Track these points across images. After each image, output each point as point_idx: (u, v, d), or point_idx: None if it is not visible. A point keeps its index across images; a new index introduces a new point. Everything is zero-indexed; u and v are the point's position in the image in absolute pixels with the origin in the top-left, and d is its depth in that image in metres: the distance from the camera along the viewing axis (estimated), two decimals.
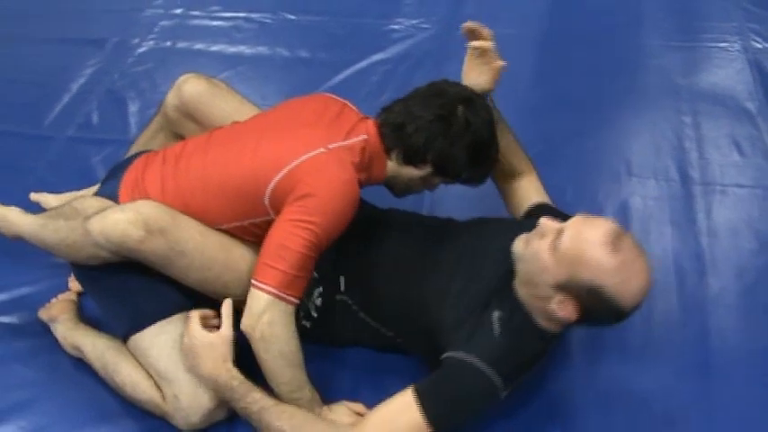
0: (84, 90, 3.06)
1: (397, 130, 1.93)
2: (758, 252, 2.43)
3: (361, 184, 1.93)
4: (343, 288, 2.01)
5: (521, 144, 2.21)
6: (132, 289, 1.95)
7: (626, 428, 1.98)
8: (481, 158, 1.98)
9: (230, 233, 1.95)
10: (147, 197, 1.93)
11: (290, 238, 1.79)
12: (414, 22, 3.45)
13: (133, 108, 2.97)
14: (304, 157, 1.84)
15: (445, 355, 1.78)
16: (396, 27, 3.42)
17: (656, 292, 2.26)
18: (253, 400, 1.78)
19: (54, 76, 3.15)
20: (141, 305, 1.94)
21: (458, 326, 1.82)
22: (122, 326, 1.97)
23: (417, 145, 1.92)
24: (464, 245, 1.98)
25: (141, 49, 3.28)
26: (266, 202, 1.86)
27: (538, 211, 2.06)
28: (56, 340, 2.11)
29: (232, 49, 3.31)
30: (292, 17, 3.52)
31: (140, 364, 1.94)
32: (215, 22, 3.47)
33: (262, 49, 3.31)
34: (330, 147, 1.87)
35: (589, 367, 2.09)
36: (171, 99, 2.22)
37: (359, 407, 1.94)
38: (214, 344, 1.82)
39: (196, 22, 3.49)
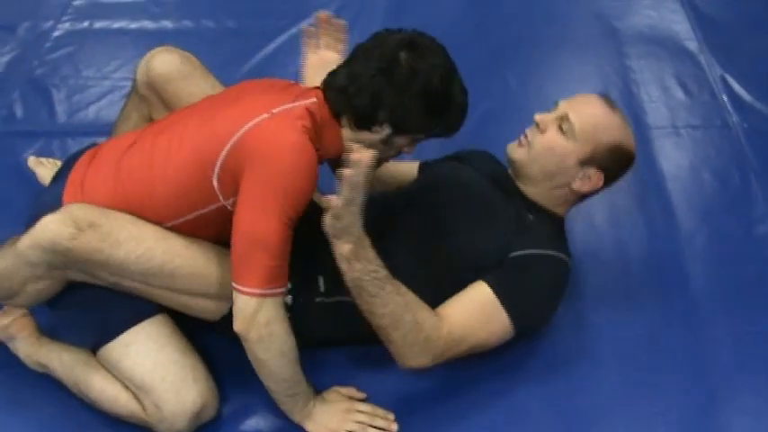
0: (2, 80, 2.84)
1: (341, 92, 1.75)
2: (720, 191, 2.45)
3: (320, 156, 1.78)
4: (323, 289, 1.88)
5: None
6: (98, 297, 1.81)
7: (616, 380, 1.97)
8: (440, 106, 1.77)
9: (183, 232, 1.81)
10: (93, 201, 1.79)
11: (259, 227, 1.65)
12: None
13: (59, 96, 2.78)
14: (247, 126, 1.69)
15: (511, 255, 1.83)
16: None
17: (631, 242, 2.28)
18: (381, 265, 1.71)
19: None
20: (109, 313, 1.81)
21: (505, 244, 1.84)
22: (90, 337, 1.84)
23: (363, 106, 1.73)
24: (445, 192, 1.97)
25: (57, 33, 3.08)
26: (215, 185, 1.72)
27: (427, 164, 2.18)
28: (15, 356, 1.96)
29: (154, 25, 3.14)
30: None
31: (114, 376, 1.83)
32: None
33: (186, 23, 3.15)
34: (274, 111, 1.71)
35: (573, 327, 2.06)
36: (140, 75, 2.06)
37: (351, 391, 1.89)
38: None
39: None
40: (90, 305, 1.83)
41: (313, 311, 1.86)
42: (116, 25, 3.13)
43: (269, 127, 1.70)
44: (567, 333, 2.04)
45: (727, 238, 2.30)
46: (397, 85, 1.72)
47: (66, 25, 3.12)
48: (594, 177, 1.90)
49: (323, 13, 2.02)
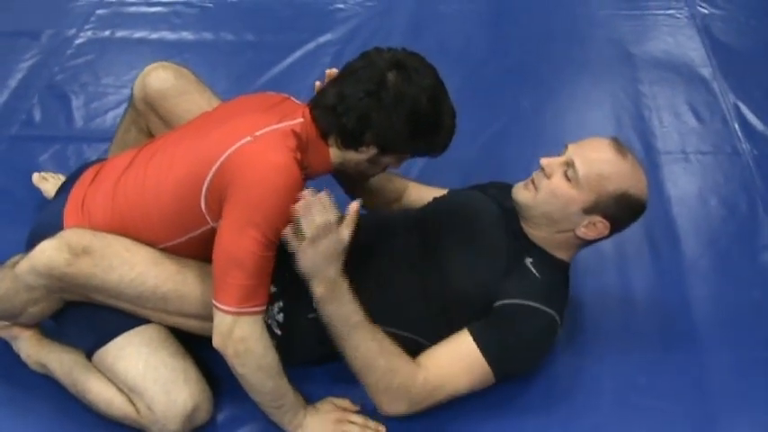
0: (22, 85, 2.90)
1: (329, 113, 1.75)
2: (727, 218, 2.45)
3: (307, 174, 1.79)
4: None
5: None
6: (94, 304, 1.84)
7: (614, 404, 1.96)
8: (427, 128, 1.77)
9: (176, 252, 1.85)
10: (91, 220, 1.84)
11: (236, 246, 1.67)
12: None
13: (77, 102, 2.83)
14: (231, 149, 1.69)
15: (498, 303, 1.81)
16: (341, 6, 3.35)
17: (634, 265, 2.29)
18: (355, 309, 1.73)
19: None
20: (105, 317, 1.84)
21: (493, 286, 1.83)
22: (87, 341, 1.87)
23: (350, 127, 1.73)
24: (450, 218, 1.96)
25: (79, 40, 3.14)
26: (203, 207, 1.74)
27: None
28: (17, 356, 1.99)
29: (174, 36, 3.19)
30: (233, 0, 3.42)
31: (109, 379, 1.85)
32: (153, 9, 3.34)
33: (206, 35, 3.20)
34: (257, 134, 1.71)
35: (574, 349, 2.06)
36: (137, 91, 2.08)
37: (345, 402, 1.89)
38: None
39: (133, 9, 3.35)
40: (87, 310, 1.85)
41: (305, 328, 1.87)
42: (137, 35, 3.19)
43: (251, 150, 1.70)
44: (566, 357, 2.03)
45: (732, 264, 2.30)
46: (384, 108, 1.71)
47: (89, 33, 3.18)
48: (600, 225, 1.84)
49: (331, 70, 2.04)
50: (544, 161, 1.84)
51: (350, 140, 1.77)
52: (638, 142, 2.69)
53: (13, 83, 2.91)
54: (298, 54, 3.08)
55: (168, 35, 3.20)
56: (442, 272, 1.86)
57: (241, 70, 2.99)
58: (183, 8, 3.34)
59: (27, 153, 2.60)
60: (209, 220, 1.76)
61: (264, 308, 1.74)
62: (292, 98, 1.92)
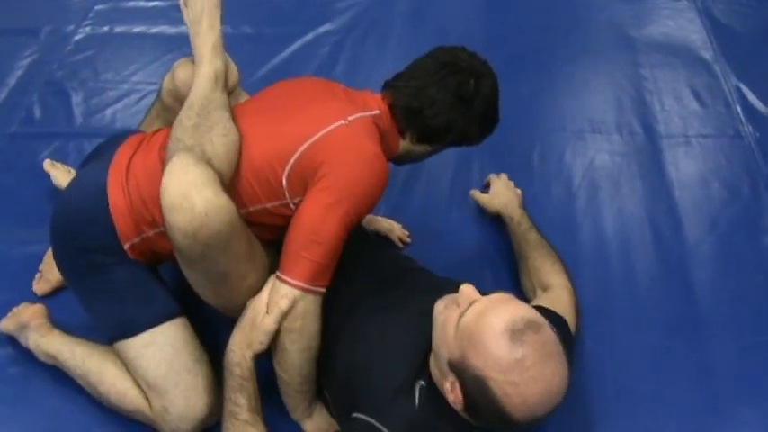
0: (22, 83, 2.90)
1: (415, 113, 1.84)
2: (729, 201, 2.44)
3: None
4: None
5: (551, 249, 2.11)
6: (122, 293, 1.83)
7: (615, 389, 1.97)
8: (492, 124, 1.95)
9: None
10: (139, 182, 1.78)
11: (321, 223, 1.67)
12: None
13: (76, 98, 2.83)
14: (324, 131, 1.72)
15: (355, 414, 1.59)
16: None
17: (636, 249, 2.28)
18: (241, 401, 1.71)
19: None
20: (130, 311, 1.83)
21: (378, 388, 1.61)
22: (110, 330, 1.86)
23: (438, 128, 1.86)
24: (408, 299, 1.79)
25: (78, 37, 3.13)
26: (284, 183, 1.73)
27: None
28: (24, 350, 2.00)
29: (173, 30, 3.17)
30: None
31: (127, 370, 1.85)
32: (152, 3, 3.32)
33: None
34: (350, 119, 1.76)
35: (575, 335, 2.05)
36: (166, 84, 2.07)
37: None
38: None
39: (131, 4, 3.33)
40: (116, 299, 1.83)
41: None
42: (136, 30, 3.18)
43: (347, 133, 1.74)
44: None
45: (734, 247, 2.30)
46: (472, 114, 1.86)
47: (87, 29, 3.17)
48: (457, 393, 1.47)
49: None
50: (463, 287, 1.51)
51: (431, 138, 1.89)
52: (640, 126, 2.68)
53: (12, 80, 2.90)
54: (296, 45, 3.06)
55: (167, 29, 3.19)
56: (354, 347, 1.74)
57: (240, 63, 2.92)
58: None
59: (27, 150, 2.60)
60: (286, 196, 1.74)
61: (325, 290, 1.74)
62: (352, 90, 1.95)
